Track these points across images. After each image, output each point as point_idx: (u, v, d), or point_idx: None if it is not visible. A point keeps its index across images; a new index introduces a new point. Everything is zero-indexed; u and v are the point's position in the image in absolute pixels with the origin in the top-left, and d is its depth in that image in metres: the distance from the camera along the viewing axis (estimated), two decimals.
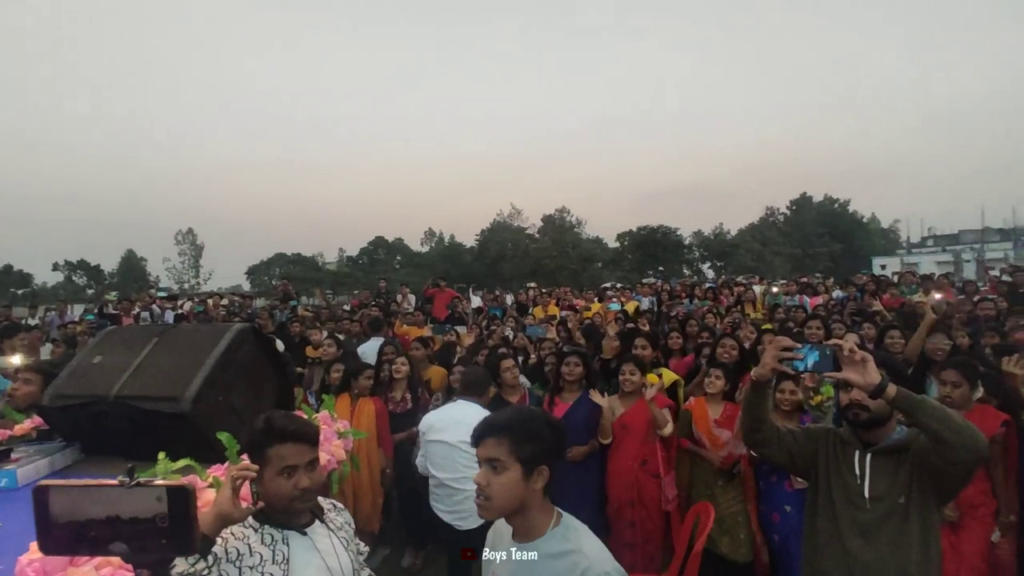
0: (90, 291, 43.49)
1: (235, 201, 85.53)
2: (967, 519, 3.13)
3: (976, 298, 7.97)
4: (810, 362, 1.90)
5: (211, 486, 1.99)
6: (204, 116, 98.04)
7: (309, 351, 6.72)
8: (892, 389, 1.80)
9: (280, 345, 5.67)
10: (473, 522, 3.15)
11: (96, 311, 11.28)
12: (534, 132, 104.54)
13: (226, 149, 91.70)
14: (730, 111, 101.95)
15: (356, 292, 14.66)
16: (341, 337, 7.05)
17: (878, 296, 9.39)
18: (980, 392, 3.38)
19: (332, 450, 2.60)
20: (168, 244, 50.07)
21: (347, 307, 12.66)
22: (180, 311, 10.91)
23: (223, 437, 2.11)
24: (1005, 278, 9.48)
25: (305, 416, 2.73)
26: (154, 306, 11.27)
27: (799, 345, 1.94)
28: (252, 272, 50.62)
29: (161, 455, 1.95)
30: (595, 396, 3.87)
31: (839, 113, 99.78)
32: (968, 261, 37.97)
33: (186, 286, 47.19)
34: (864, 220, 53.96)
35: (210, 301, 12.76)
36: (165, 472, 1.89)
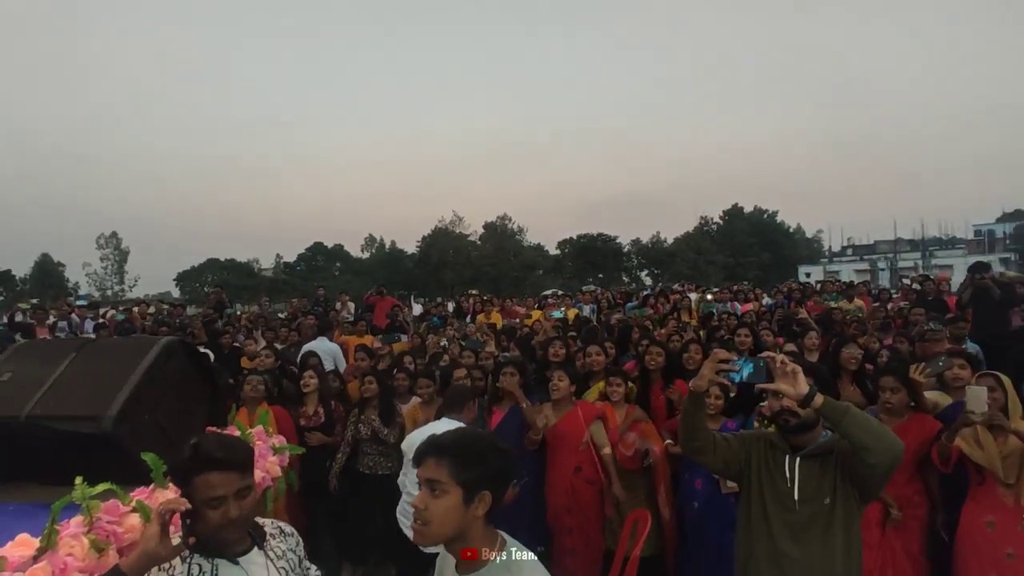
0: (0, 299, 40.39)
1: (164, 203, 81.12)
2: (905, 518, 3.28)
3: (891, 306, 8.56)
4: (745, 373, 2.03)
5: (134, 510, 1.89)
6: (134, 113, 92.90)
7: (244, 362, 6.48)
8: (819, 399, 1.94)
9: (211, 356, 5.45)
10: None
11: (6, 321, 10.48)
12: (476, 139, 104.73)
13: (155, 149, 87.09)
14: (668, 124, 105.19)
15: (294, 300, 14.16)
16: (279, 347, 6.85)
17: (803, 304, 9.94)
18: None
19: (267, 467, 2.51)
20: (89, 249, 47.01)
21: (282, 315, 12.27)
22: (101, 320, 10.25)
23: (148, 458, 2.00)
24: (915, 286, 10.20)
25: (238, 432, 2.64)
26: (73, 315, 10.55)
27: (736, 357, 2.06)
28: (182, 279, 48.27)
29: (78, 480, 1.82)
30: (528, 406, 3.89)
31: (767, 128, 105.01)
32: (883, 269, 40.68)
33: (109, 293, 44.53)
34: (791, 230, 56.79)
35: (135, 309, 12.09)
36: (83, 498, 1.77)
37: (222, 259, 49.21)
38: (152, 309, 13.25)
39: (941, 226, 58.21)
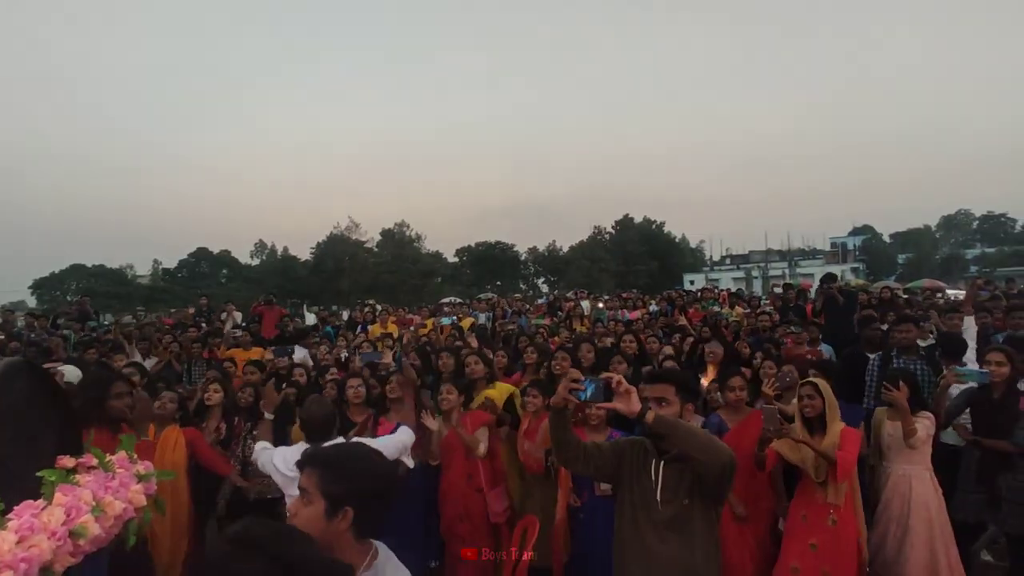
0: None
1: (19, 203, 72.36)
2: (754, 510, 3.64)
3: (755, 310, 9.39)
4: (588, 392, 2.20)
5: None
6: None
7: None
8: (650, 415, 2.15)
9: (75, 374, 4.90)
10: None
11: None
12: (373, 145, 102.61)
13: (9, 144, 77.31)
14: (565, 135, 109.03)
15: (172, 310, 13.07)
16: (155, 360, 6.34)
17: (685, 310, 10.64)
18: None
19: (131, 497, 2.32)
20: None
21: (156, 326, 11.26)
22: None
23: None
24: (778, 291, 11.27)
25: (96, 461, 2.42)
26: None
27: (583, 378, 2.25)
28: (40, 286, 43.18)
29: None
30: (427, 420, 3.92)
31: (657, 142, 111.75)
32: (756, 278, 44.34)
33: None
34: (676, 240, 60.46)
35: None
36: None
37: (89, 265, 44.61)
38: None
39: (804, 238, 64.76)
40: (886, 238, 65.58)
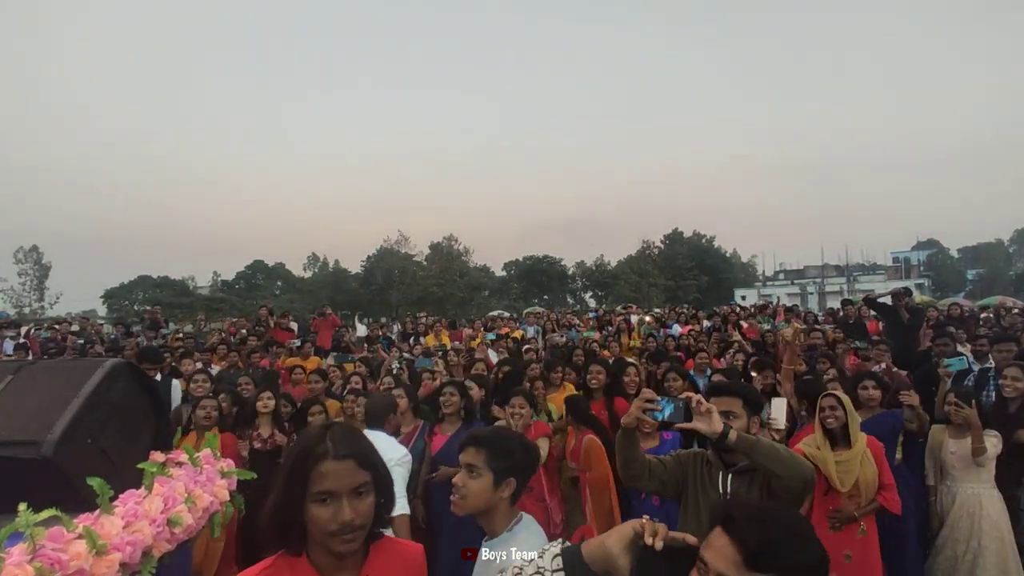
0: None
1: (90, 217, 76.83)
2: None
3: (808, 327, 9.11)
4: (666, 413, 2.17)
5: (80, 537, 1.86)
6: (54, 121, 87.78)
7: (181, 383, 6.24)
8: (733, 435, 2.11)
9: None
10: None
11: None
12: (424, 159, 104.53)
13: (78, 160, 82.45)
14: (613, 150, 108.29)
15: (234, 319, 13.63)
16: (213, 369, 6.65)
17: (739, 326, 10.43)
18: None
19: (215, 491, 2.49)
20: (5, 263, 43.74)
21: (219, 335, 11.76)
22: (23, 340, 9.66)
23: (95, 483, 1.99)
24: (835, 307, 10.89)
25: (186, 456, 2.61)
26: None
27: (659, 398, 2.22)
28: (110, 295, 45.67)
29: (22, 506, 1.79)
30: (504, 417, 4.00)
31: (707, 156, 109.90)
32: (812, 293, 42.90)
33: (26, 311, 41.59)
34: (727, 255, 59.15)
35: (58, 328, 11.44)
36: (27, 526, 1.73)
37: (154, 276, 46.96)
38: (76, 327, 12.55)
39: (863, 253, 62.28)
40: (953, 253, 62.31)
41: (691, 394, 2.20)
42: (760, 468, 2.12)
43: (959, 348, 6.06)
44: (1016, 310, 12.93)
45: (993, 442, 3.64)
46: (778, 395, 4.15)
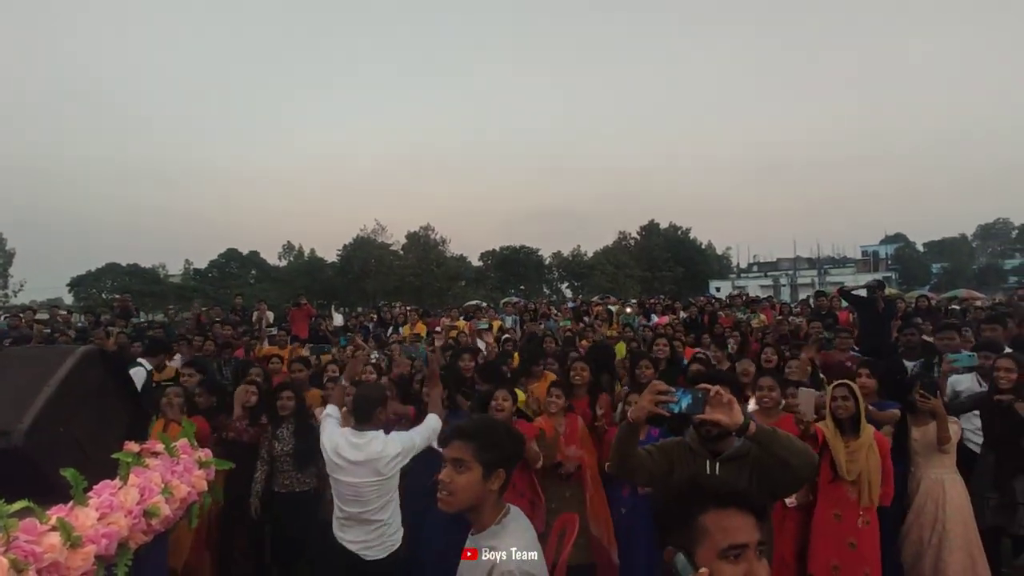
0: None
1: (57, 204, 74.68)
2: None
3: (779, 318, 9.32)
4: (684, 404, 2.03)
5: (53, 528, 1.81)
6: (22, 109, 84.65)
7: (156, 374, 6.11)
8: (753, 426, 2.04)
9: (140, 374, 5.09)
10: (379, 552, 3.14)
11: None
12: (400, 148, 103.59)
13: (46, 147, 79.76)
14: (591, 141, 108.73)
15: (204, 308, 13.32)
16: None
17: (717, 317, 10.58)
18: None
19: (193, 481, 2.44)
20: None
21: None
22: None
23: (68, 474, 1.93)
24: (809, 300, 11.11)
25: (161, 446, 2.55)
26: None
27: (674, 389, 2.08)
28: (77, 284, 44.44)
29: None
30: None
31: (683, 149, 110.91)
32: (784, 285, 43.67)
33: None
34: (703, 247, 59.75)
35: (22, 316, 11.07)
36: (0, 517, 1.67)
37: (123, 264, 45.80)
38: (44, 315, 12.17)
39: (834, 246, 63.59)
40: (920, 247, 63.90)
41: (709, 386, 2.08)
42: (776, 458, 2.05)
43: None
44: (978, 303, 13.37)
45: (955, 429, 3.75)
46: (805, 385, 4.14)
